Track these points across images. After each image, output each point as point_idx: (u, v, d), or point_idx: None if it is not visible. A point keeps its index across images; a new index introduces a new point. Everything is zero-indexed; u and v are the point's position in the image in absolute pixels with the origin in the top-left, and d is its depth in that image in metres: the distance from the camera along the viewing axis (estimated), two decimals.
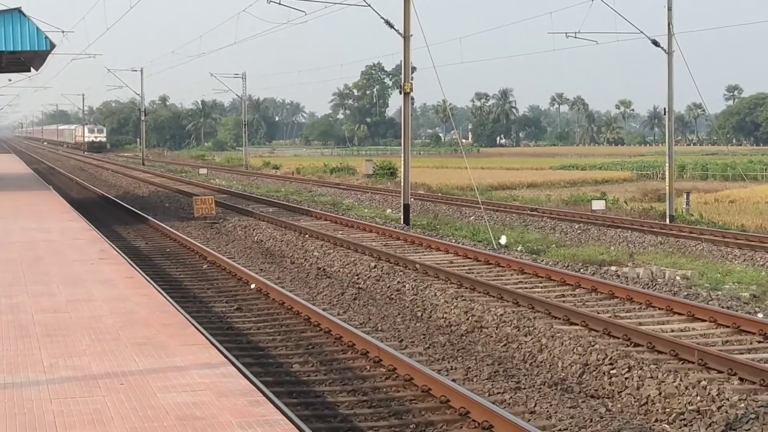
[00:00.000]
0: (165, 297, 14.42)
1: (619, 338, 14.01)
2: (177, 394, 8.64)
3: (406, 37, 32.48)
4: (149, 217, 32.82)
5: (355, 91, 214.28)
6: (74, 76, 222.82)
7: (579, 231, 31.70)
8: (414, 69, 44.23)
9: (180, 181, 59.20)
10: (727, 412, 10.47)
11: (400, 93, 32.94)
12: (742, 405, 10.54)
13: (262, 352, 13.82)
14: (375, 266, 21.40)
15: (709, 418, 10.50)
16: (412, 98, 37.73)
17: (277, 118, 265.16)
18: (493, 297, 17.52)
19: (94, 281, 15.35)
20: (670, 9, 34.83)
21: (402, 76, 33.06)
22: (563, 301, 16.93)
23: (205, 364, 9.77)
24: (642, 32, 35.45)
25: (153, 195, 47.54)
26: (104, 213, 36.46)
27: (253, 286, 19.13)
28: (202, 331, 12.27)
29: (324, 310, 16.45)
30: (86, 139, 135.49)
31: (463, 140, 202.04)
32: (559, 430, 10.25)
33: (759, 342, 13.79)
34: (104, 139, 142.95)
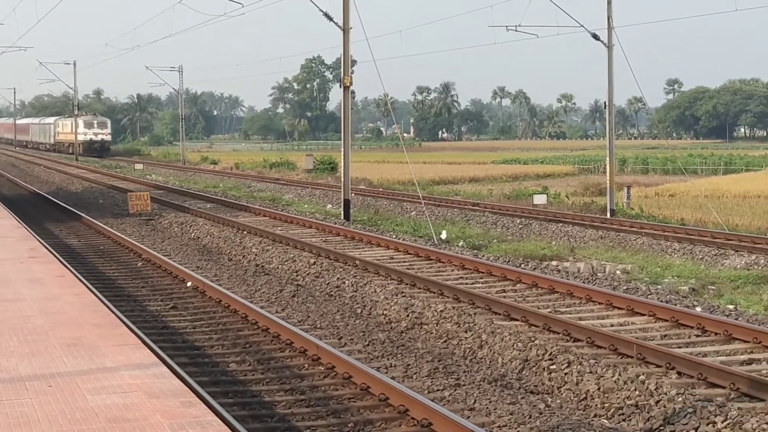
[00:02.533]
0: (97, 296, 14.25)
1: (559, 333, 14.10)
2: (107, 395, 8.52)
3: (346, 30, 32.42)
4: (82, 214, 32.40)
5: (295, 84, 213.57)
6: (4, 69, 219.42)
7: (521, 226, 31.89)
8: (354, 62, 44.14)
9: (115, 176, 58.57)
10: (665, 407, 10.58)
11: (341, 87, 32.90)
12: (680, 399, 10.65)
13: (197, 352, 13.70)
14: (314, 263, 21.33)
15: (648, 412, 10.60)
16: (353, 92, 37.58)
17: (215, 112, 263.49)
18: (434, 293, 17.54)
19: (23, 280, 15.11)
20: (609, 3, 35.16)
21: (342, 69, 33.00)
22: (504, 297, 17.00)
23: (136, 364, 9.65)
24: (582, 26, 35.73)
25: (87, 191, 46.97)
26: (36, 210, 35.94)
27: (189, 284, 18.96)
28: (134, 330, 12.13)
29: (262, 307, 16.35)
30: (82, 137, 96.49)
31: (405, 134, 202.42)
32: (499, 426, 10.29)
33: (697, 336, 13.97)
34: (108, 137, 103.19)
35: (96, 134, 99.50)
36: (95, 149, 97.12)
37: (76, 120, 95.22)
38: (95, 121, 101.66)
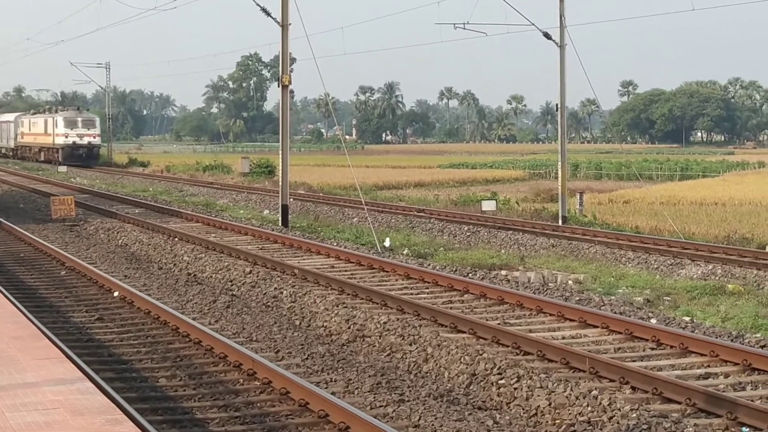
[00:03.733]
0: (17, 306, 14.08)
1: (508, 346, 14.19)
2: (27, 413, 8.42)
3: (284, 26, 32.38)
4: (1, 220, 31.97)
5: (230, 83, 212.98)
6: None
7: (468, 233, 32.02)
8: (294, 60, 44.20)
9: (37, 179, 57.90)
10: (618, 423, 10.69)
11: (279, 86, 32.87)
12: (634, 415, 10.77)
13: (125, 366, 13.58)
14: (250, 271, 21.27)
15: (600, 429, 10.70)
16: (292, 91, 37.52)
17: (145, 112, 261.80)
18: (377, 304, 17.56)
19: None
20: (562, 0, 35.46)
21: (280, 67, 32.96)
22: (450, 308, 17.07)
23: (59, 379, 9.55)
24: (533, 24, 35.99)
25: (6, 195, 46.39)
26: None
27: (116, 293, 18.80)
28: (57, 343, 12.01)
29: (194, 319, 16.26)
30: (63, 140, 79.13)
31: (347, 136, 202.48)
32: None
33: (652, 349, 14.13)
34: (97, 140, 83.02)
35: (80, 135, 79.29)
36: (79, 155, 78.09)
37: (55, 118, 79.85)
38: (79, 119, 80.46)
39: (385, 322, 15.70)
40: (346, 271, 21.62)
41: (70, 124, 79.73)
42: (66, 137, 78.69)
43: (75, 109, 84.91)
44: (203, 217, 32.64)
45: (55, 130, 79.53)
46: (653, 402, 11.53)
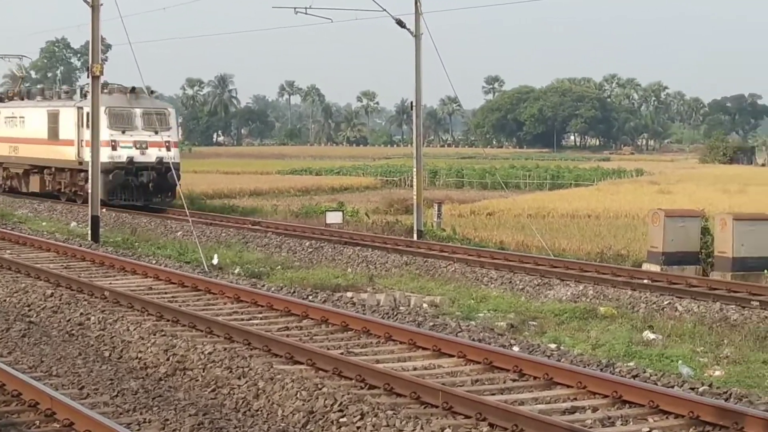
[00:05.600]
0: None
1: (351, 379, 14.22)
2: None
3: (95, 6, 31.93)
4: None
5: (33, 72, 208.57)
6: None
7: (310, 249, 32.08)
8: (108, 46, 43.50)
9: None
10: None
11: (88, 76, 32.37)
12: None
13: None
14: (52, 294, 20.86)
15: None
16: (106, 83, 37.04)
17: None
18: (201, 331, 17.42)
19: None
20: None
21: (90, 55, 32.48)
22: (287, 335, 17.04)
23: None
24: (385, 10, 36.32)
25: None
26: None
27: None
28: None
29: None
30: (123, 152, 45.16)
31: None
32: None
33: (513, 381, 14.36)
34: (175, 154, 46.27)
35: (142, 145, 45.76)
36: (150, 186, 45.79)
37: (82, 109, 44.38)
38: (138, 111, 46.39)
39: (210, 353, 15.59)
40: (166, 293, 21.39)
41: (123, 121, 45.99)
42: (115, 148, 45.03)
43: (129, 91, 46.99)
44: None
45: (81, 134, 45.29)
46: None
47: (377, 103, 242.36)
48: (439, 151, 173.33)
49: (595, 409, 12.95)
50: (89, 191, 33.00)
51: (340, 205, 48.12)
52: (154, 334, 16.99)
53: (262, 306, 19.69)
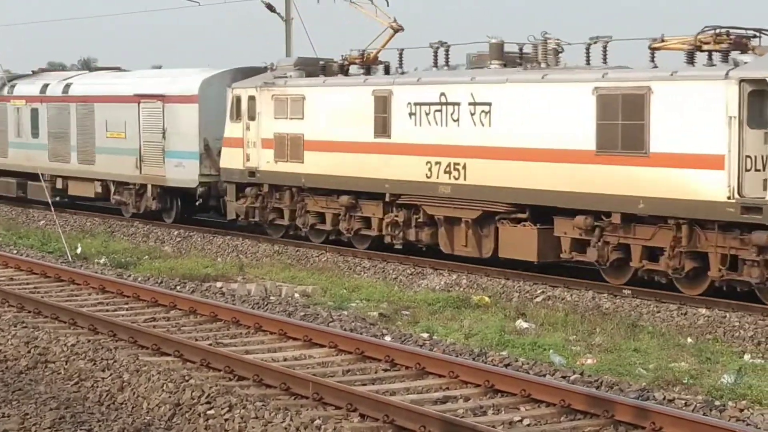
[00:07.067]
0: None
1: (220, 371, 14.15)
2: None
3: None
4: None
5: None
6: None
7: (179, 239, 31.76)
8: None
9: None
10: None
11: None
12: None
13: None
14: None
15: None
16: None
17: None
18: (64, 323, 17.20)
19: None
20: None
21: None
22: (154, 327, 16.92)
23: None
24: None
25: None
26: None
27: None
28: None
29: None
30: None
31: None
32: None
33: (385, 371, 14.41)
34: None
35: None
36: None
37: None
38: None
39: (73, 345, 15.37)
40: (28, 284, 21.05)
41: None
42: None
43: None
44: None
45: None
46: (384, 431, 11.76)
47: None
48: None
49: (467, 399, 13.07)
50: None
51: None
52: (15, 326, 16.69)
53: (128, 297, 19.50)
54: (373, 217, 26.91)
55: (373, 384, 13.76)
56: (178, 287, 20.84)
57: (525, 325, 19.05)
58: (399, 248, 26.61)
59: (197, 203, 31.61)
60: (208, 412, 12.40)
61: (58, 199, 35.19)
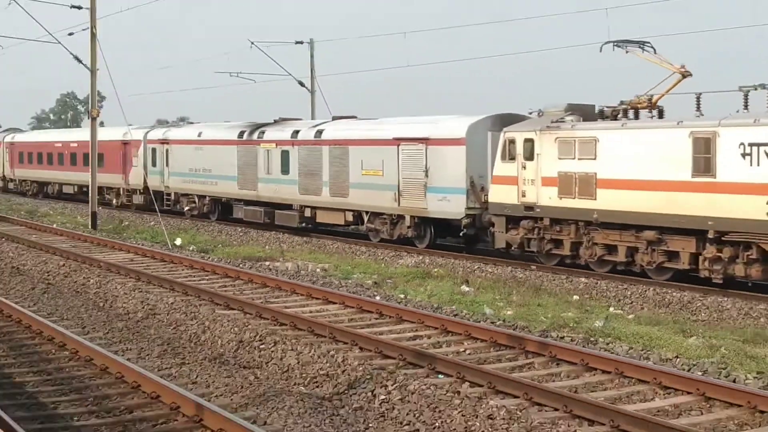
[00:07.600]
0: None
1: (268, 319, 14.10)
2: None
3: (93, 72, 31.06)
4: None
5: (51, 115, 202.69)
6: None
7: (241, 233, 31.60)
8: (103, 98, 42.47)
9: None
10: (349, 375, 10.81)
11: (89, 118, 31.53)
12: (361, 368, 10.91)
13: None
14: (64, 264, 20.26)
15: (335, 379, 10.79)
16: (101, 122, 36.10)
17: None
18: (166, 288, 17.09)
19: None
20: (312, 56, 35.78)
21: (90, 103, 31.64)
22: (225, 291, 16.82)
23: None
24: (290, 74, 36.06)
25: None
26: None
27: None
28: None
29: (16, 302, 15.31)
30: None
31: None
32: (216, 396, 10.14)
33: (376, 319, 14.36)
34: None
35: None
36: None
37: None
38: None
39: (172, 303, 15.31)
40: (142, 263, 20.93)
41: None
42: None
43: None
44: (27, 222, 30.86)
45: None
46: (375, 358, 11.70)
47: None
48: None
49: (429, 337, 13.03)
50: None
51: None
52: (134, 291, 16.63)
53: (208, 271, 19.40)
54: (683, 251, 18.80)
55: (369, 327, 13.69)
56: (240, 265, 20.74)
57: (467, 289, 18.96)
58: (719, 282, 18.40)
59: (461, 233, 24.90)
60: (261, 347, 12.35)
61: (303, 225, 30.04)
